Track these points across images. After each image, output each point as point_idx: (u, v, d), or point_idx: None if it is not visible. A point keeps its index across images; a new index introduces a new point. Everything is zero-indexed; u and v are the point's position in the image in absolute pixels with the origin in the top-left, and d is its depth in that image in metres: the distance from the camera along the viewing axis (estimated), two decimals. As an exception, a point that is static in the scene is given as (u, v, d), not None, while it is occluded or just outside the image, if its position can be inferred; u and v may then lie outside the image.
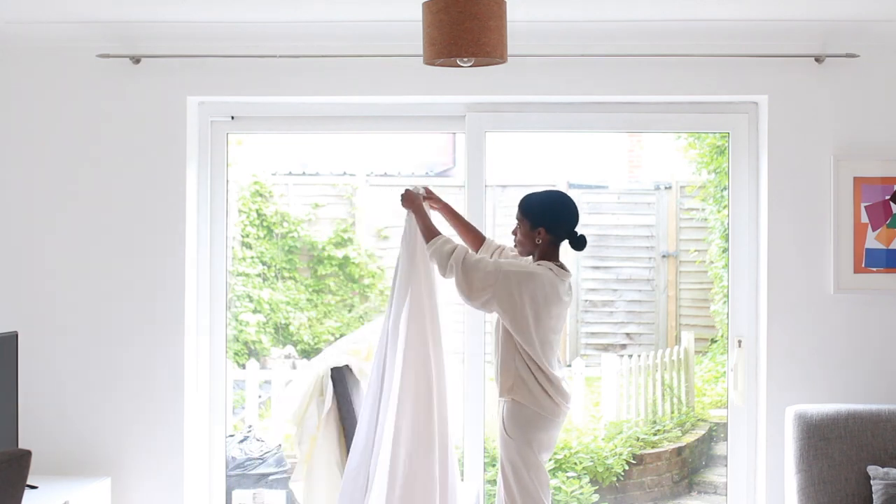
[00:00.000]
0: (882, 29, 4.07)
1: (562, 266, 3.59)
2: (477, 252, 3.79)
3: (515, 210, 3.65)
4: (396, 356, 3.62)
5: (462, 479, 4.11)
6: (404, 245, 3.73)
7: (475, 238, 3.86)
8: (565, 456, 6.27)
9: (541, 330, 3.49)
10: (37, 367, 4.24)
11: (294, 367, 7.00)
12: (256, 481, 5.80)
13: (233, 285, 7.24)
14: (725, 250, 4.76)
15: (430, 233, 3.63)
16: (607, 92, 4.24)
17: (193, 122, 4.35)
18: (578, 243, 3.61)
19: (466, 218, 4.04)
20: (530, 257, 3.64)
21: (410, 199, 3.73)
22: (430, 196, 3.81)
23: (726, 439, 4.42)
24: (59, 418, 4.26)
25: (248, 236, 7.50)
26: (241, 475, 5.79)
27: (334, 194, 7.72)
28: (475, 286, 3.46)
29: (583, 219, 3.67)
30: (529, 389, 3.49)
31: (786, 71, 4.17)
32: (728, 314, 4.39)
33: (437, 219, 3.81)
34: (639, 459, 6.47)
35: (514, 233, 3.65)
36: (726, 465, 4.42)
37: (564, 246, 3.63)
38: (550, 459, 6.09)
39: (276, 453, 5.95)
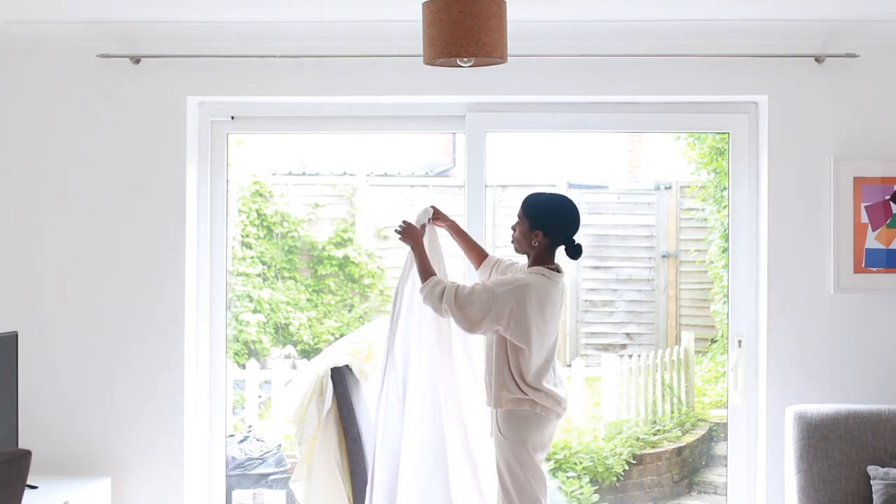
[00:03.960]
0: (882, 29, 4.07)
1: (554, 268, 3.61)
2: (478, 268, 3.86)
3: (518, 208, 3.65)
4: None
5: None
6: (403, 281, 3.79)
7: (478, 255, 3.91)
8: (565, 456, 6.27)
9: (542, 335, 3.52)
10: (37, 367, 4.24)
11: (294, 367, 7.00)
12: (256, 481, 5.80)
13: (233, 285, 7.24)
14: (725, 250, 4.76)
15: (424, 273, 3.64)
16: (607, 92, 4.24)
17: (193, 122, 4.35)
18: (574, 252, 3.61)
19: (467, 223, 4.09)
20: (525, 258, 3.67)
21: (410, 234, 3.74)
22: (437, 216, 3.86)
23: (726, 439, 4.42)
24: (59, 418, 4.26)
25: (248, 236, 7.49)
26: (241, 475, 5.79)
27: (334, 194, 7.72)
28: (473, 319, 3.48)
29: (583, 219, 3.67)
30: (519, 400, 3.52)
31: (786, 71, 4.17)
32: (728, 314, 4.39)
33: (443, 235, 3.88)
34: (639, 459, 6.47)
35: (514, 228, 3.66)
36: (726, 465, 4.42)
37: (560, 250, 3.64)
38: (549, 459, 6.09)
39: (276, 453, 5.95)
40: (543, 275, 3.55)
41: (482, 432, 3.76)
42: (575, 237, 3.61)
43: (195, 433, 4.35)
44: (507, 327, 3.48)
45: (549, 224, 3.58)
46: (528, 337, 3.48)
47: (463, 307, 3.48)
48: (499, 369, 3.53)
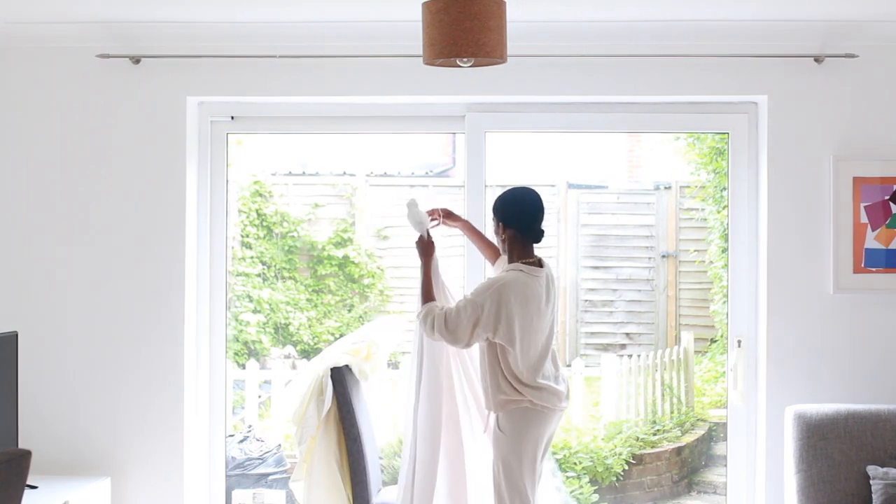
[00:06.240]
0: (882, 29, 4.07)
1: (533, 262, 3.61)
2: (493, 264, 3.88)
3: None
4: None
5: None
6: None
7: (493, 252, 3.91)
8: (565, 456, 6.27)
9: (527, 332, 3.52)
10: (37, 367, 4.24)
11: (294, 367, 7.00)
12: (256, 481, 5.81)
13: (233, 285, 7.24)
14: (725, 250, 4.76)
15: (424, 296, 3.68)
16: (607, 92, 4.24)
17: (193, 122, 4.35)
18: (535, 235, 3.62)
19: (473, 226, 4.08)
20: (505, 258, 3.70)
21: (423, 249, 3.77)
22: (448, 216, 3.90)
23: (726, 439, 4.42)
24: (59, 418, 4.26)
25: (248, 236, 7.50)
26: (241, 475, 5.80)
27: (334, 194, 7.72)
28: (463, 338, 3.52)
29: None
30: (515, 401, 3.53)
31: (786, 71, 4.17)
32: (728, 314, 4.39)
33: (457, 235, 3.94)
34: (639, 459, 6.47)
35: (495, 232, 3.72)
36: (726, 465, 4.42)
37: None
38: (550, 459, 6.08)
39: (275, 453, 5.95)
40: (521, 270, 3.56)
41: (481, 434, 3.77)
42: (541, 226, 3.62)
43: (195, 433, 4.35)
44: (496, 332, 3.49)
45: (507, 213, 3.61)
46: (513, 336, 3.49)
47: (453, 330, 3.52)
48: (492, 374, 3.55)
